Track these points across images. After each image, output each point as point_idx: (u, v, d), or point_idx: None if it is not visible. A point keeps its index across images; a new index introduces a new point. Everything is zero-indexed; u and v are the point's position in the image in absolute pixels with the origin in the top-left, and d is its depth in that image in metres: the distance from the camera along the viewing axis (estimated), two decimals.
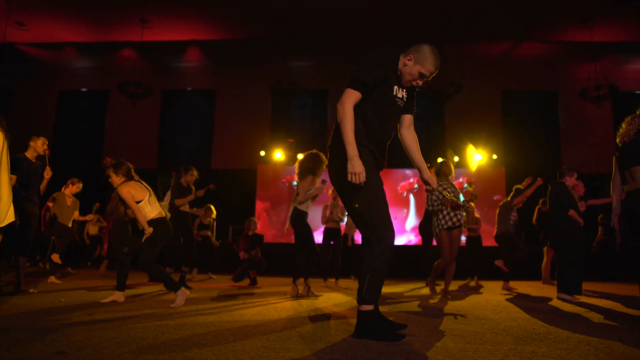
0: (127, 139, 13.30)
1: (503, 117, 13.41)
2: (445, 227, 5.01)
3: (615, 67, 12.65)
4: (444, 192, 4.94)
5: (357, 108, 2.35)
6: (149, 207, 3.88)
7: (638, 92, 13.46)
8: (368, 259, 2.31)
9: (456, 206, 4.91)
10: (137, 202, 3.82)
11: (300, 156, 5.27)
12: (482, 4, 10.43)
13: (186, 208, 5.74)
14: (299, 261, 4.78)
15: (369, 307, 2.31)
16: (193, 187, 5.83)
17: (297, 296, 4.65)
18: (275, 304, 3.94)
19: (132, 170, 4.12)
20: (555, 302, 4.48)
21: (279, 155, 12.12)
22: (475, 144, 10.96)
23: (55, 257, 5.85)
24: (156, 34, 11.68)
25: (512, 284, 6.95)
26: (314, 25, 11.31)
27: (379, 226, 2.30)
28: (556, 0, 10.14)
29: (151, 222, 3.86)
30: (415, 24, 11.13)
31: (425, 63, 2.38)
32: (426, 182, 2.68)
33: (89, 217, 7.55)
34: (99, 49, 12.69)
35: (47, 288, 4.95)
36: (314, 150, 4.90)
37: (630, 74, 13.07)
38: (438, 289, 5.99)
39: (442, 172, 5.18)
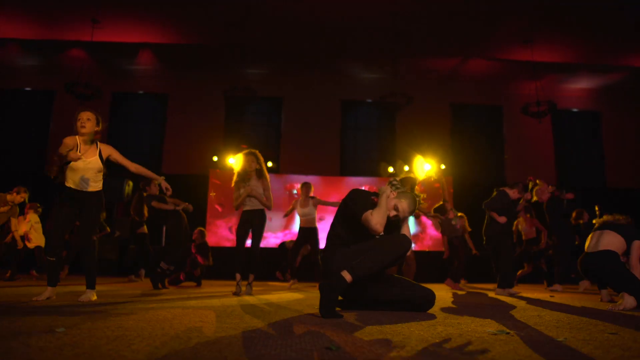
0: None
1: (452, 129, 13.96)
2: None
3: (554, 85, 13.50)
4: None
5: None
6: None
7: (574, 109, 14.39)
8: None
9: None
10: None
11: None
12: (431, 22, 10.91)
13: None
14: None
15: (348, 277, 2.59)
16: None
17: None
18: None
19: None
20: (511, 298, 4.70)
21: (232, 160, 12.03)
22: (425, 154, 11.31)
23: None
24: (107, 35, 11.37)
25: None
26: (270, 33, 11.41)
27: None
28: (499, 21, 10.76)
29: None
30: (369, 37, 11.49)
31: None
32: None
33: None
34: (46, 47, 12.18)
35: None
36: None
37: (567, 92, 13.98)
38: None
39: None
